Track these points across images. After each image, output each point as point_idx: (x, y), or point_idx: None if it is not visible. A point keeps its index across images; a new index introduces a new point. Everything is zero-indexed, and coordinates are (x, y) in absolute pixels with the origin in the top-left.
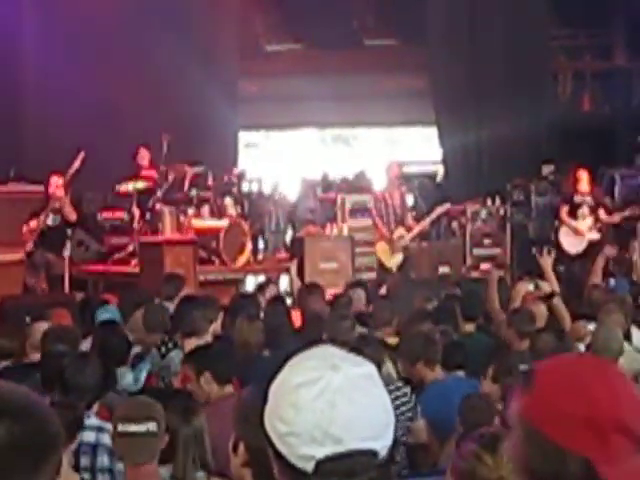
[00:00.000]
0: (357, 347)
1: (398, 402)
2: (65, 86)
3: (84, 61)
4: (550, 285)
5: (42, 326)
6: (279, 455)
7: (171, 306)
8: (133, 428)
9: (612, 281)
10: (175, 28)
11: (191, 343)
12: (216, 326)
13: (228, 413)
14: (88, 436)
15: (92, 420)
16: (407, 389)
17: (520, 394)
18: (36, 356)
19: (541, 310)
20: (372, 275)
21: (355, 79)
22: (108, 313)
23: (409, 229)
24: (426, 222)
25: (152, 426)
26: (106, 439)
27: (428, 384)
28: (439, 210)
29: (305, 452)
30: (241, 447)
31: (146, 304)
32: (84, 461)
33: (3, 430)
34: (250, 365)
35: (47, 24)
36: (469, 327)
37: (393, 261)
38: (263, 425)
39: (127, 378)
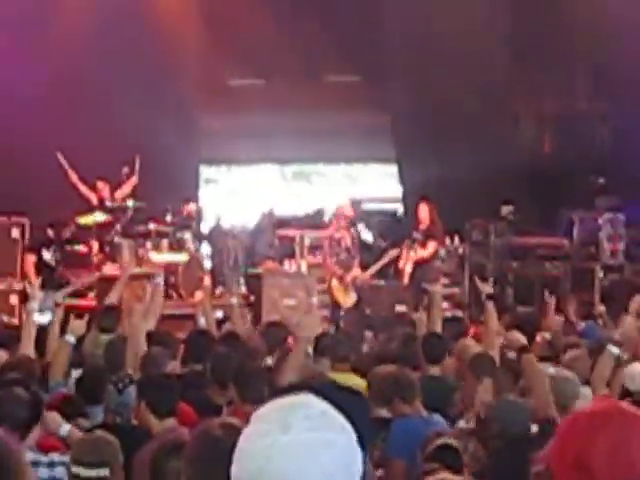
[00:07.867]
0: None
1: None
2: (22, 114)
3: (37, 90)
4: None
5: None
6: None
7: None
8: (84, 473)
9: (582, 324)
10: (137, 62)
11: None
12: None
13: None
14: None
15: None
16: None
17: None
18: None
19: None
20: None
21: (316, 115)
22: None
23: (363, 269)
24: (378, 265)
25: (103, 472)
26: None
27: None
28: (392, 253)
29: None
30: None
31: (108, 341)
32: None
33: None
34: None
35: None
36: (434, 370)
37: (348, 300)
38: None
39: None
